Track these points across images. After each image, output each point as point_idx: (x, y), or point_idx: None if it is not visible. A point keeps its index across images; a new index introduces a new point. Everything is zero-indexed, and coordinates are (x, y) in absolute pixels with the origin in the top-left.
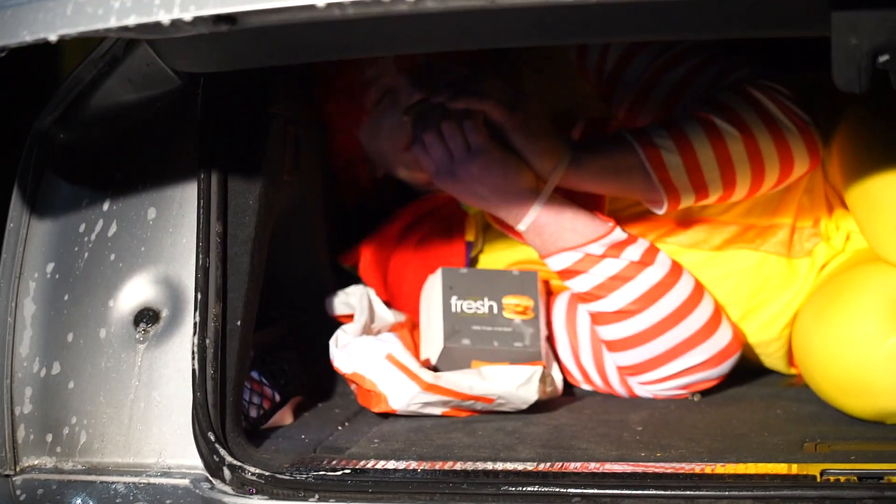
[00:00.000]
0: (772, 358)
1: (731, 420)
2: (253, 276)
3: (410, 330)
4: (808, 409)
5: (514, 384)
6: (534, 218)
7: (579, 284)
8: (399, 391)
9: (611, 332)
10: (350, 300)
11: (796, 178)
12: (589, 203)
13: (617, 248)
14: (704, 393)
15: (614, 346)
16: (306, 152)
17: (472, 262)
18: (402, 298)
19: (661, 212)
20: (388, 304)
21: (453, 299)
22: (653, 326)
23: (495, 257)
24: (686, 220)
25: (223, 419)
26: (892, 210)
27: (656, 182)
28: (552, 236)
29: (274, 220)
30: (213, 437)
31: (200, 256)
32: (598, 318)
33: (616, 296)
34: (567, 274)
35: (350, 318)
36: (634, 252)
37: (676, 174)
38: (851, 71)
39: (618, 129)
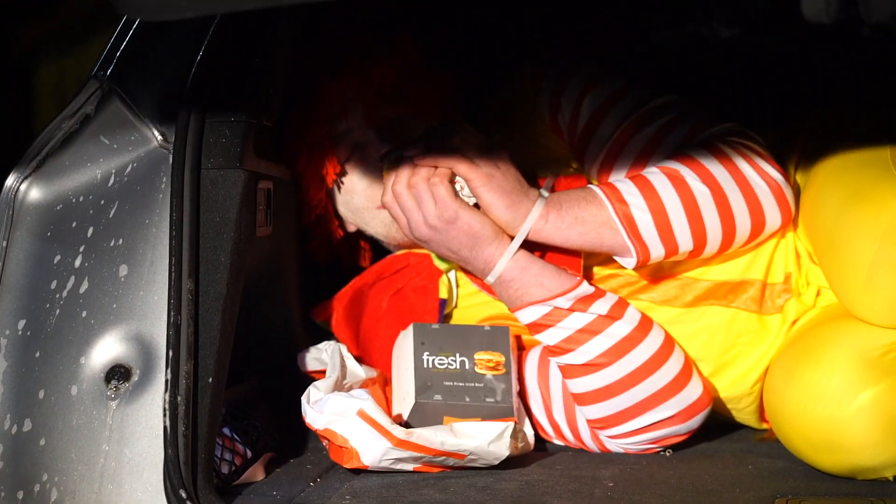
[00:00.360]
0: (743, 413)
1: (702, 475)
2: (224, 333)
3: (382, 386)
4: (779, 464)
5: (486, 440)
6: (500, 272)
7: (548, 337)
8: (370, 447)
9: (580, 384)
10: (322, 356)
11: (768, 234)
12: (565, 258)
13: (584, 302)
14: (676, 447)
15: (583, 398)
16: (278, 208)
17: (446, 319)
18: (374, 354)
19: (630, 266)
20: (360, 359)
21: (425, 355)
22: (621, 380)
23: (468, 313)
24: (658, 277)
25: (195, 476)
26: (860, 265)
27: (626, 238)
28: (519, 290)
29: (246, 277)
30: (184, 495)
31: (172, 314)
32: (567, 371)
33: (584, 349)
34: (536, 327)
35: (322, 373)
36: (602, 306)
37: (646, 231)
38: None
39: (588, 185)
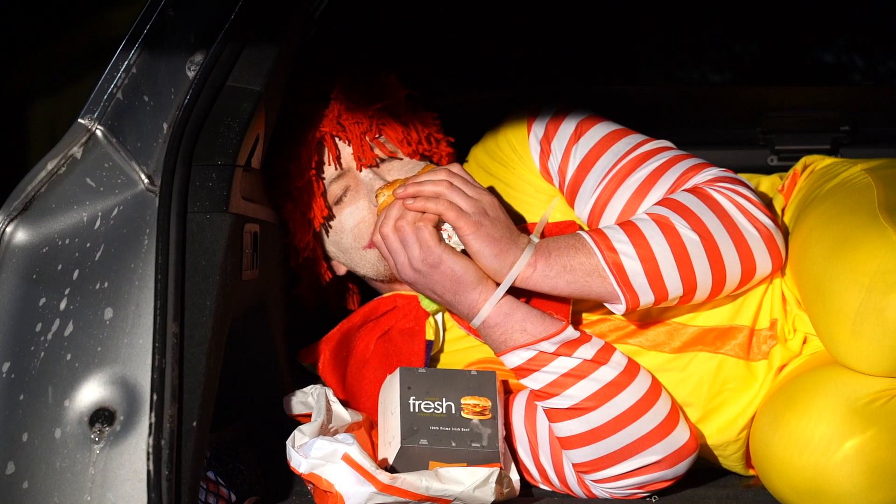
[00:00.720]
0: (730, 459)
1: None
2: (209, 377)
3: (368, 430)
4: None
5: (471, 485)
6: (484, 317)
7: (533, 382)
8: (355, 492)
9: (565, 428)
10: (308, 399)
11: (758, 281)
12: (552, 303)
13: (569, 347)
14: (662, 493)
15: (568, 442)
16: (265, 251)
17: (432, 361)
18: (360, 397)
19: (620, 313)
20: (346, 403)
21: (411, 399)
22: (607, 424)
23: (455, 357)
24: (646, 322)
25: None
26: (847, 313)
27: (615, 286)
28: (503, 335)
29: (231, 320)
30: None
31: (157, 357)
32: (552, 415)
33: (569, 393)
34: (521, 371)
35: (308, 417)
36: (588, 350)
37: (636, 278)
38: None
39: (577, 232)
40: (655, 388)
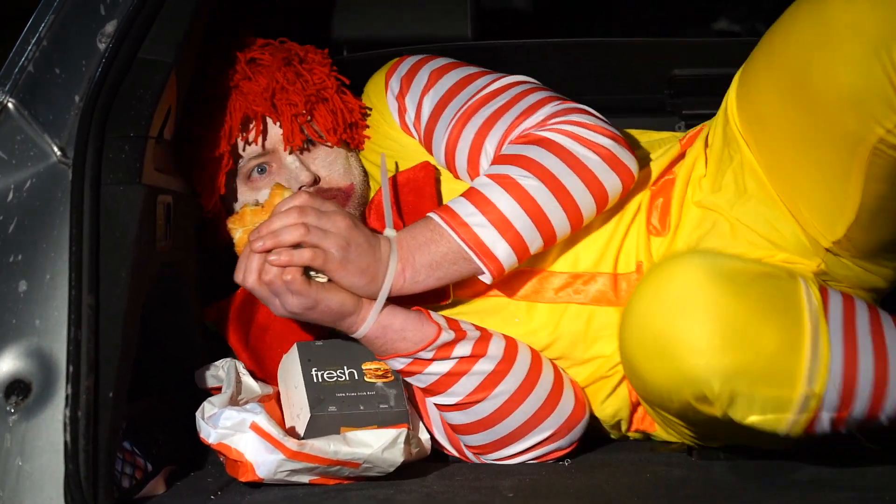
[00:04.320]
0: (612, 405)
1: (601, 485)
2: (125, 348)
3: (278, 402)
4: (676, 472)
5: (379, 447)
6: (364, 334)
7: (417, 382)
8: (264, 460)
9: (455, 418)
10: (219, 373)
11: (615, 201)
12: (431, 293)
13: (446, 350)
14: (574, 456)
15: (460, 430)
16: (179, 222)
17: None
18: (264, 363)
19: (488, 282)
20: (254, 374)
21: (313, 370)
22: (495, 412)
23: None
24: (518, 275)
25: (95, 491)
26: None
27: (479, 262)
28: (384, 345)
29: (147, 291)
30: None
31: (72, 329)
32: (441, 409)
33: (453, 390)
34: (405, 374)
35: (219, 390)
36: (465, 348)
37: (496, 245)
38: None
39: (429, 215)
40: (536, 365)
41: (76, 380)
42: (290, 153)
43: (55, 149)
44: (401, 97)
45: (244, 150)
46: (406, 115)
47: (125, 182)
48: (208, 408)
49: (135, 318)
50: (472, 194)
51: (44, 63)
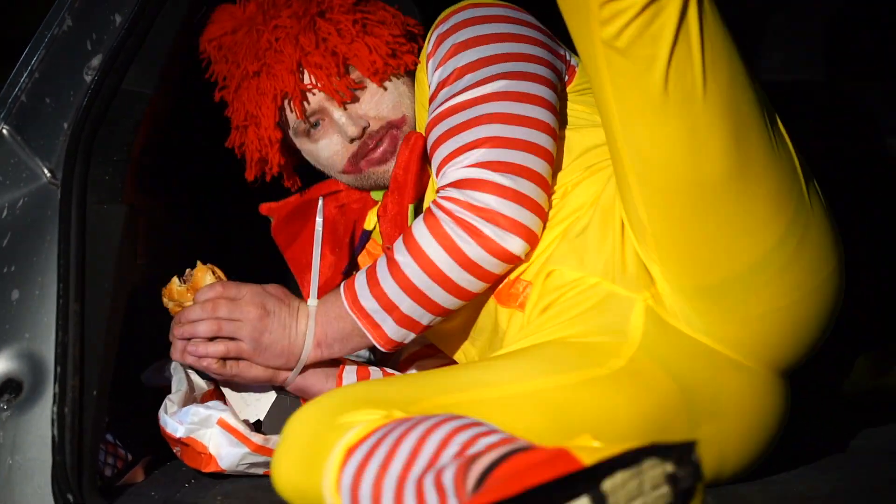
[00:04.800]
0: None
1: None
2: (108, 351)
3: (217, 395)
4: None
5: None
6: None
7: None
8: (228, 452)
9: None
10: (165, 373)
11: (503, 272)
12: None
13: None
14: None
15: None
16: (156, 237)
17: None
18: (303, 268)
19: (384, 350)
20: (201, 373)
21: None
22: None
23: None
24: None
25: (80, 480)
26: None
27: (374, 341)
28: (305, 395)
29: (128, 299)
30: (71, 498)
31: (60, 333)
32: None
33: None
34: None
35: (168, 388)
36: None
37: (389, 328)
38: None
39: (340, 289)
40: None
41: (63, 379)
42: (336, 107)
43: (45, 171)
44: (431, 55)
45: (291, 120)
46: (430, 80)
47: (108, 201)
48: (170, 405)
49: (117, 324)
50: (370, 273)
51: (35, 93)
